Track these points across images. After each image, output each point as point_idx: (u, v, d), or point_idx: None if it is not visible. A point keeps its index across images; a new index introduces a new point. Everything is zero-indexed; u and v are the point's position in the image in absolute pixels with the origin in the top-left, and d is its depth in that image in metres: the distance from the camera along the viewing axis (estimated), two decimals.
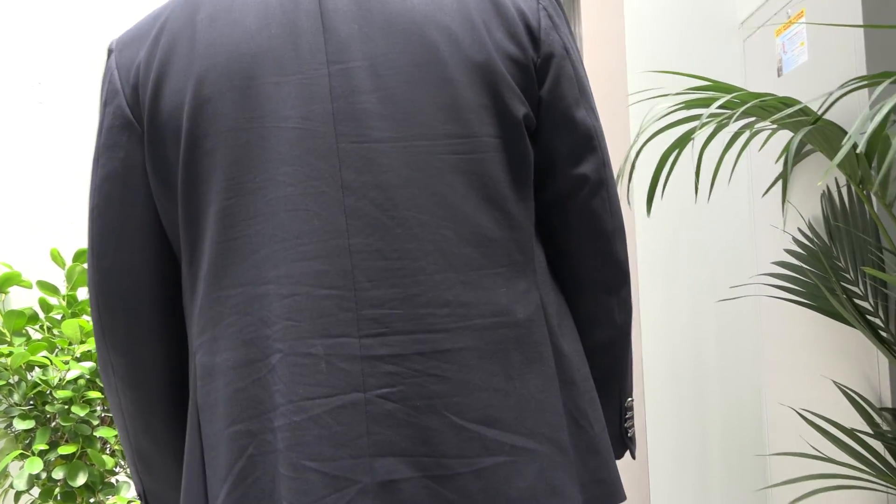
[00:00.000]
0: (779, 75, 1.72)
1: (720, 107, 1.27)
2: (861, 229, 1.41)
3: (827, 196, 1.53)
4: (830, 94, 1.18)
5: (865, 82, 1.14)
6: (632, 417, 0.87)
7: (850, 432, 1.37)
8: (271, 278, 0.69)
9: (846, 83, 1.17)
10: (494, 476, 0.69)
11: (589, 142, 0.77)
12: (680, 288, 1.92)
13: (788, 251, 1.59)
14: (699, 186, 1.91)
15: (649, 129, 1.58)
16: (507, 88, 0.72)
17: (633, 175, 1.90)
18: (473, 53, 0.71)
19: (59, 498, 1.45)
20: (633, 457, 0.88)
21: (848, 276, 1.44)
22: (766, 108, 1.28)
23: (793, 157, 1.22)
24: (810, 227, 1.58)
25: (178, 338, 0.77)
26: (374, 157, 0.69)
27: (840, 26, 1.39)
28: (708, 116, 1.25)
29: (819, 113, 1.23)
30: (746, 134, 1.57)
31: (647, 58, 1.89)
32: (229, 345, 0.71)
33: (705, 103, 1.28)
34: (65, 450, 1.41)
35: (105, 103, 0.76)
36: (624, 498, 0.79)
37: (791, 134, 1.51)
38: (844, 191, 1.47)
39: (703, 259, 1.92)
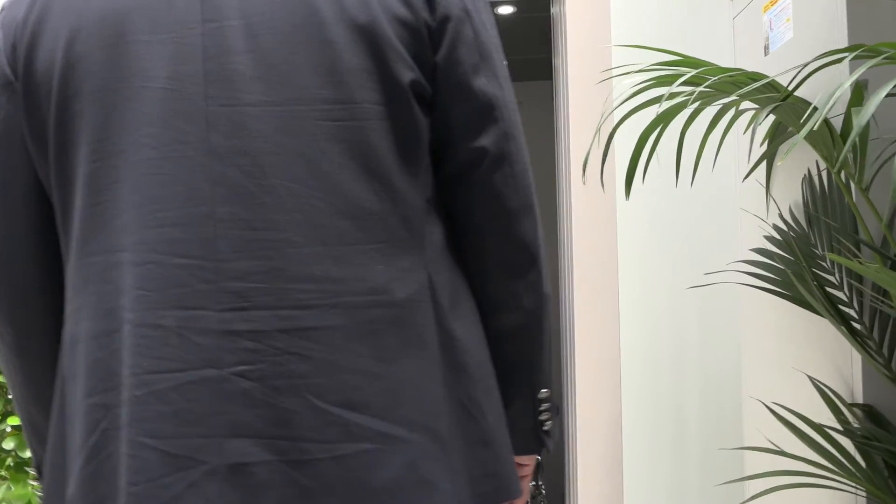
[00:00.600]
0: (765, 54, 1.64)
1: (688, 83, 1.21)
2: (839, 215, 1.34)
3: (808, 180, 1.46)
4: (800, 68, 1.12)
5: (834, 57, 1.07)
6: (547, 411, 0.82)
7: (819, 428, 1.31)
8: (127, 245, 0.67)
9: (817, 57, 1.10)
10: (356, 464, 0.66)
11: (489, 112, 0.73)
12: (661, 275, 1.86)
13: (768, 238, 1.53)
14: (682, 169, 1.84)
15: (617, 108, 1.52)
16: (393, 52, 0.68)
17: (609, 156, 1.84)
18: (356, 14, 0.68)
19: (11, 468, 1.44)
20: (549, 451, 0.84)
21: (825, 264, 1.37)
22: (737, 83, 1.22)
23: (769, 137, 1.16)
24: (791, 213, 1.51)
25: (57, 298, 0.74)
26: (245, 121, 0.66)
27: None
28: (670, 94, 1.19)
29: (789, 89, 1.16)
30: (731, 114, 1.50)
31: (635, 36, 1.82)
32: (90, 314, 0.68)
33: (673, 79, 1.22)
34: (14, 420, 1.40)
35: None
36: (518, 495, 0.76)
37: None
38: (825, 174, 1.40)
39: (686, 245, 1.86)
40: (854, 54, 1.00)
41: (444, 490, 0.68)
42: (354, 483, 0.65)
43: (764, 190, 1.67)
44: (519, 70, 3.92)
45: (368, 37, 0.68)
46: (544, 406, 0.81)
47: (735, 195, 1.84)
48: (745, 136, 1.73)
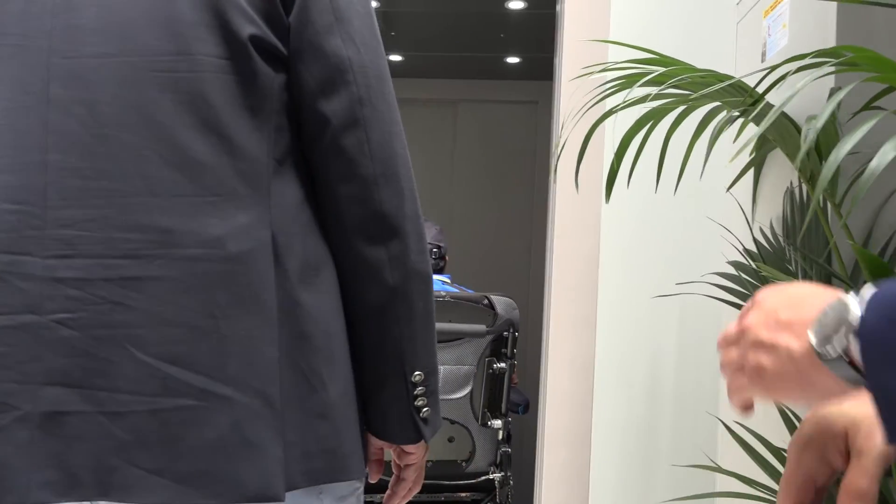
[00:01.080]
0: (762, 60, 1.58)
1: (654, 83, 1.16)
2: (814, 233, 1.28)
3: (789, 194, 1.40)
4: (767, 71, 1.07)
5: (800, 63, 1.02)
6: (423, 395, 0.77)
7: (777, 452, 1.26)
8: None
9: (783, 63, 1.05)
10: (174, 419, 0.64)
11: (341, 75, 0.72)
12: (642, 283, 1.81)
13: (748, 252, 1.47)
14: (669, 175, 1.79)
15: (591, 109, 1.48)
16: (233, 6, 0.68)
17: (598, 159, 1.79)
18: None
19: None
20: (426, 440, 0.80)
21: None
22: (707, 85, 1.17)
23: (757, 147, 1.11)
24: (771, 227, 1.45)
25: None
26: (84, 73, 0.68)
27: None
28: (656, 95, 1.15)
29: (758, 93, 1.11)
30: (721, 119, 1.45)
31: (635, 40, 1.77)
32: None
33: (633, 80, 1.18)
34: None
35: None
36: (359, 475, 0.73)
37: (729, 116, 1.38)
38: (805, 189, 1.34)
39: (671, 253, 1.81)
40: (807, 58, 0.95)
41: (272, 455, 0.66)
42: (171, 438, 0.64)
43: (750, 200, 1.61)
44: (538, 68, 3.88)
45: None
46: (419, 391, 0.77)
47: (724, 204, 1.78)
48: (732, 144, 1.68)
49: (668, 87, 1.20)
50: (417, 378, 0.77)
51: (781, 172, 1.49)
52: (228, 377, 0.66)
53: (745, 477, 1.18)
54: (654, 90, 1.16)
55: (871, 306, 0.45)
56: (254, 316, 0.68)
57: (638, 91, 1.44)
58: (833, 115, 1.12)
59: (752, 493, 1.24)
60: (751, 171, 1.59)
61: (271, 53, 0.71)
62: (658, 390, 1.81)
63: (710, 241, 1.79)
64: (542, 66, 3.76)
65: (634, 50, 1.71)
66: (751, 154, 1.59)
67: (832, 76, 1.26)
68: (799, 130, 1.17)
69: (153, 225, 0.66)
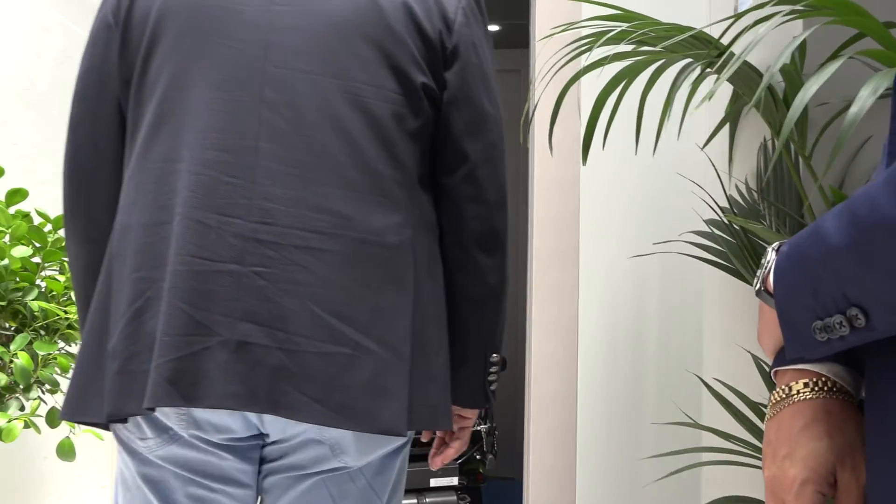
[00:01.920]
0: (734, 13, 1.56)
1: (616, 39, 1.14)
2: (786, 188, 1.27)
3: (762, 148, 1.38)
4: (732, 20, 1.05)
5: (767, 11, 1.00)
6: (495, 373, 1.00)
7: (755, 406, 1.26)
8: (186, 158, 0.85)
9: (748, 10, 1.03)
10: (335, 362, 0.82)
11: (483, 123, 0.96)
12: (622, 243, 1.81)
13: (719, 209, 1.46)
14: (649, 133, 1.77)
15: (560, 70, 1.45)
16: (412, 58, 0.90)
17: (575, 120, 1.77)
18: (393, 22, 0.89)
19: None
20: (491, 407, 1.07)
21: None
22: (671, 38, 1.15)
23: (731, 103, 1.09)
24: (746, 183, 1.44)
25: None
26: (294, 83, 0.86)
27: None
28: (590, 56, 1.13)
29: (724, 44, 1.09)
30: (695, 77, 1.43)
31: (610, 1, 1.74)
32: (143, 207, 0.87)
33: (598, 37, 1.16)
34: None
35: (99, 9, 0.97)
36: (450, 427, 0.93)
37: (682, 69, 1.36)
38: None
39: (649, 214, 1.80)
40: (782, 8, 0.93)
41: (398, 400, 0.84)
42: (330, 376, 0.82)
43: (726, 158, 1.60)
44: (519, 36, 3.82)
45: (397, 43, 0.89)
46: (493, 368, 0.99)
47: (704, 162, 1.76)
48: (710, 101, 1.65)
49: (632, 43, 1.18)
50: (494, 359, 0.99)
51: (756, 128, 1.47)
52: (375, 335, 0.84)
53: (723, 432, 1.19)
54: (621, 48, 1.14)
55: (781, 250, 0.61)
56: (398, 292, 0.87)
57: (600, 50, 1.42)
58: (795, 65, 1.10)
59: (732, 447, 1.25)
60: (726, 130, 1.57)
61: (431, 97, 0.93)
62: (642, 351, 1.81)
63: (690, 200, 1.79)
64: (522, 34, 3.72)
65: (605, 8, 1.69)
66: (726, 111, 1.57)
67: (799, 24, 1.24)
68: (770, 88, 1.15)
69: (335, 210, 0.85)
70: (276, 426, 0.87)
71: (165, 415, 0.86)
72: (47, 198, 1.78)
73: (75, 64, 2.24)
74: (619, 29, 1.10)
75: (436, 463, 1.03)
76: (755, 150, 1.46)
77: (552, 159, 1.82)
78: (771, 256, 0.64)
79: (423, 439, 1.06)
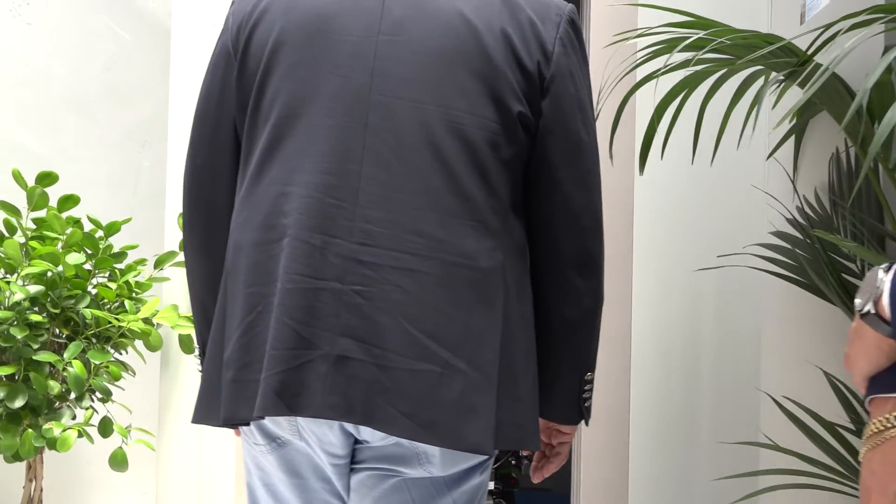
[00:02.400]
0: (801, 22, 1.51)
1: (693, 47, 1.11)
2: (864, 199, 1.23)
3: (835, 159, 1.34)
4: (820, 30, 1.01)
5: (857, 19, 0.96)
6: (590, 390, 1.02)
7: (830, 426, 1.21)
8: (296, 181, 0.90)
9: (841, 19, 0.99)
10: (426, 379, 0.86)
11: (579, 151, 0.96)
12: (678, 256, 1.76)
13: (791, 221, 1.41)
14: (707, 144, 1.73)
15: (624, 77, 1.41)
16: (510, 88, 0.91)
17: (631, 129, 1.73)
18: (492, 53, 0.91)
19: (3, 418, 1.45)
20: (587, 424, 1.05)
21: (846, 251, 1.26)
22: (751, 47, 1.11)
23: (799, 112, 1.05)
24: (816, 195, 1.40)
25: None
26: (396, 110, 0.89)
27: None
28: (694, 61, 1.09)
29: (808, 54, 1.05)
30: (760, 84, 1.38)
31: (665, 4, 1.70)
32: (254, 227, 0.92)
33: (674, 45, 1.12)
34: (4, 370, 1.41)
35: (219, 37, 1.02)
36: (537, 447, 0.96)
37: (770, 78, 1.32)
38: (854, 153, 1.28)
39: (706, 226, 1.75)
40: (877, 16, 0.89)
41: (485, 419, 0.87)
42: (420, 393, 0.85)
43: (789, 169, 1.55)
44: None
45: (495, 73, 0.91)
46: (588, 386, 1.01)
47: (764, 174, 1.72)
48: (772, 111, 1.61)
49: (709, 52, 1.14)
50: (589, 377, 1.01)
51: (825, 138, 1.42)
52: (465, 355, 0.87)
53: (803, 455, 1.14)
54: (694, 55, 1.10)
55: None
56: (488, 315, 0.89)
57: (678, 56, 1.38)
58: (889, 73, 1.06)
59: (809, 469, 1.20)
60: (789, 140, 1.53)
61: (526, 125, 0.93)
62: (697, 366, 1.76)
63: (743, 212, 1.74)
64: None
65: (666, 12, 1.65)
66: (791, 120, 1.53)
67: (881, 37, 1.19)
68: (851, 92, 1.11)
69: (430, 234, 0.88)
70: (374, 434, 0.91)
71: (277, 423, 0.92)
72: (95, 203, 1.77)
73: (123, 69, 2.24)
74: (697, 36, 1.06)
75: (536, 477, 1.07)
76: (824, 161, 1.42)
77: (605, 169, 1.78)
78: (884, 277, 0.61)
79: (524, 453, 1.14)
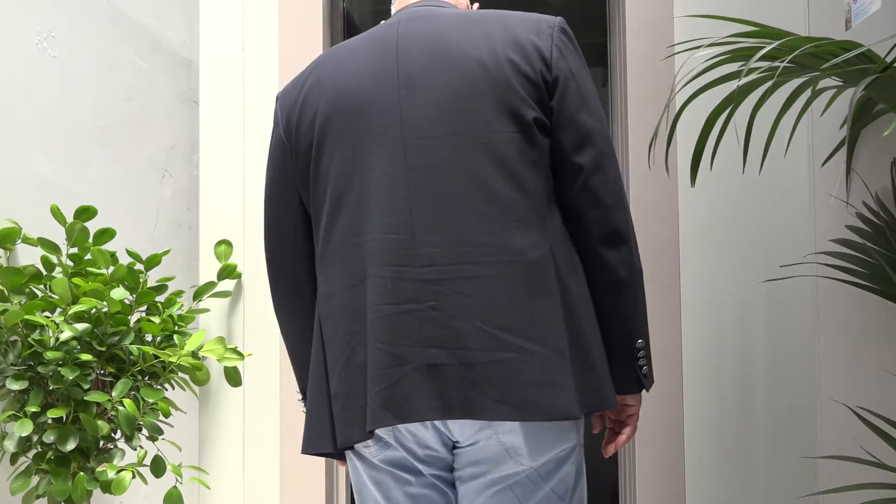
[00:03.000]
0: (847, 28, 1.51)
1: (767, 57, 1.09)
2: None
3: None
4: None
5: None
6: (643, 357, 1.10)
7: None
8: (362, 230, 1.04)
9: None
10: (507, 366, 0.98)
11: (588, 138, 1.06)
12: (727, 267, 1.74)
13: (850, 227, 1.40)
14: (753, 153, 1.71)
15: (687, 87, 1.40)
16: (521, 99, 1.04)
17: (676, 141, 1.72)
18: (497, 76, 1.04)
19: (52, 462, 1.40)
20: (647, 390, 1.13)
21: None
22: (824, 55, 1.09)
23: (853, 115, 1.04)
24: (877, 199, 1.38)
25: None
26: (428, 148, 1.04)
27: None
28: (750, 69, 1.07)
29: (888, 60, 1.04)
30: (808, 93, 1.37)
31: (698, 5, 1.69)
32: (338, 276, 1.06)
33: (750, 53, 1.10)
34: (54, 413, 1.36)
35: (273, 130, 1.17)
36: (615, 406, 1.05)
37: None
38: None
39: (755, 236, 1.73)
40: None
41: (566, 390, 0.98)
42: (507, 379, 0.97)
43: (842, 177, 1.54)
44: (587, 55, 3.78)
45: (506, 91, 1.04)
46: (640, 354, 1.09)
47: (809, 181, 1.70)
48: (820, 118, 1.60)
49: (764, 59, 1.12)
50: (640, 344, 1.09)
51: (882, 145, 1.41)
52: (535, 339, 0.99)
53: (887, 465, 1.11)
54: (741, 65, 1.08)
55: None
56: (547, 299, 1.01)
57: (729, 67, 1.36)
58: None
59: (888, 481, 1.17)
60: (842, 150, 1.51)
61: (543, 126, 1.05)
62: (750, 380, 1.74)
63: (792, 221, 1.72)
64: (590, 53, 3.68)
65: (708, 27, 1.63)
66: (841, 127, 1.52)
67: None
68: None
69: (480, 241, 1.01)
70: (462, 432, 1.03)
71: (381, 433, 1.06)
72: (121, 234, 1.74)
73: (143, 99, 2.21)
74: (770, 46, 1.04)
75: (609, 450, 1.14)
76: (883, 168, 1.40)
77: (648, 181, 1.76)
78: None
79: (595, 431, 1.18)
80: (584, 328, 1.03)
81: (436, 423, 1.02)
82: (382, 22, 1.18)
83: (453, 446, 1.06)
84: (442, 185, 1.02)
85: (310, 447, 1.09)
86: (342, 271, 1.05)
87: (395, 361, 0.99)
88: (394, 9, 1.22)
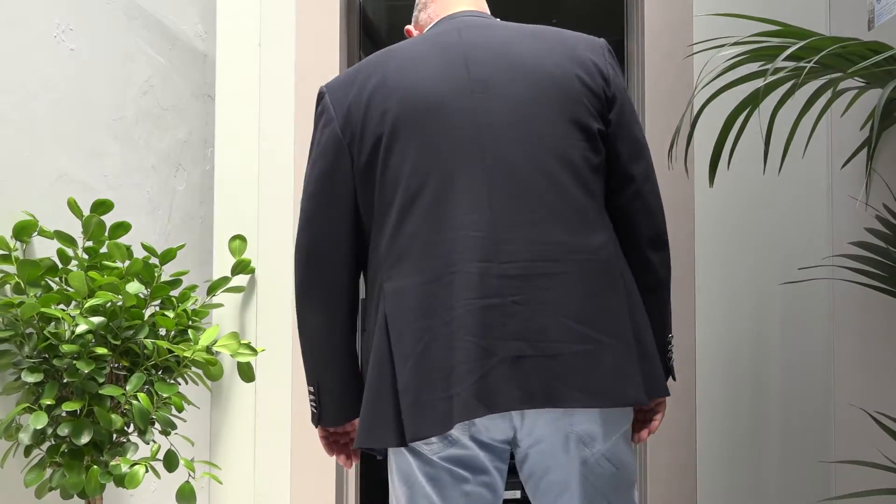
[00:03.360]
0: (870, 28, 1.49)
1: (792, 57, 1.08)
2: None
3: None
4: None
5: None
6: (672, 350, 1.21)
7: None
8: (441, 229, 1.08)
9: None
10: (585, 356, 1.04)
11: (641, 150, 1.17)
12: (742, 269, 1.73)
13: (870, 230, 1.38)
14: (770, 154, 1.70)
15: (707, 87, 1.39)
16: (587, 111, 1.12)
17: (693, 141, 1.70)
18: (566, 88, 1.12)
19: (65, 455, 1.40)
20: (674, 379, 1.22)
21: None
22: (849, 56, 1.08)
23: (879, 119, 1.02)
24: None
25: (352, 281, 1.18)
26: (505, 150, 1.09)
27: None
28: (775, 69, 1.06)
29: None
30: (828, 95, 1.36)
31: (716, 5, 1.68)
32: (412, 272, 1.08)
33: (774, 53, 1.09)
34: (69, 406, 1.36)
35: (323, 126, 1.17)
36: (667, 393, 1.14)
37: (881, 91, 1.29)
38: None
39: (771, 237, 1.72)
40: None
41: (636, 378, 1.06)
42: (586, 368, 1.04)
43: (862, 179, 1.52)
44: None
45: (574, 103, 1.11)
46: (670, 346, 1.21)
47: (827, 183, 1.69)
48: (840, 119, 1.58)
49: (788, 59, 1.11)
50: (670, 338, 1.22)
51: None
52: (608, 331, 1.06)
53: None
54: (761, 65, 1.07)
55: None
56: (616, 295, 1.08)
57: (750, 66, 1.35)
58: None
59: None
60: (862, 152, 1.50)
61: (604, 136, 1.13)
62: (764, 381, 1.72)
63: (808, 224, 1.70)
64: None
65: (727, 27, 1.62)
66: (862, 127, 1.50)
67: None
68: None
69: (558, 240, 1.07)
70: (536, 425, 1.08)
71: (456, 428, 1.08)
72: (135, 228, 1.74)
73: (158, 93, 2.21)
74: (796, 46, 1.03)
75: (642, 436, 1.20)
76: None
77: (664, 181, 1.75)
78: None
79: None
80: (641, 321, 1.12)
81: (513, 415, 1.06)
82: (430, 28, 1.22)
83: (516, 443, 1.11)
84: (520, 186, 1.08)
85: (367, 441, 1.09)
86: (416, 267, 1.08)
87: (484, 354, 1.03)
88: (428, 14, 1.27)
